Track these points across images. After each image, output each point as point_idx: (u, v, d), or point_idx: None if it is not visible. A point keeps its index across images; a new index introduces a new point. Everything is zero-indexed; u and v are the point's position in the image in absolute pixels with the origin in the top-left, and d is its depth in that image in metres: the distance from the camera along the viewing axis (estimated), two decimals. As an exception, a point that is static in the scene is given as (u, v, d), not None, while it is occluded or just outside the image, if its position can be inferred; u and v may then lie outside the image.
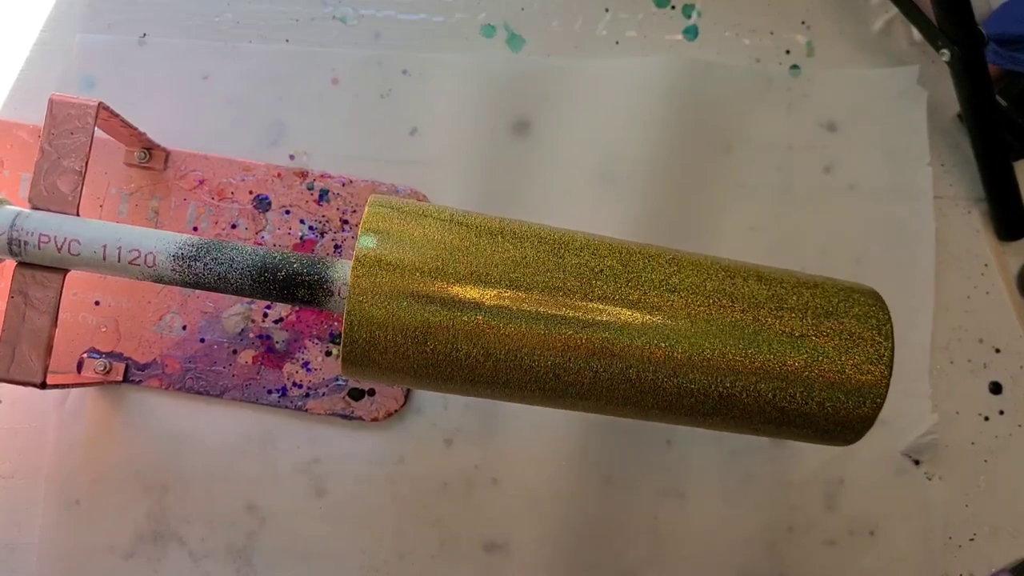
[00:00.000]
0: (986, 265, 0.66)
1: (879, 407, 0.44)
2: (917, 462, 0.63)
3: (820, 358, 0.43)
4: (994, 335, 0.65)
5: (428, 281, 0.42)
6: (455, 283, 0.42)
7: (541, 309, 0.42)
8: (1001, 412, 0.65)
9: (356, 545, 0.60)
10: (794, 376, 0.43)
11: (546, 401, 0.46)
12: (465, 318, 0.42)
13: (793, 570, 0.62)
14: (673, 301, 0.43)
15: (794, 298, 0.44)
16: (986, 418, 0.64)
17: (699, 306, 0.43)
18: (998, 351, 0.65)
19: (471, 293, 0.42)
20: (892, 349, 0.44)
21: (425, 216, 0.44)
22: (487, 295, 0.42)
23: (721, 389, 0.43)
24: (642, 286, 0.43)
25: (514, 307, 0.42)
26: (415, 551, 0.61)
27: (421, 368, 0.44)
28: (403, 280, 0.42)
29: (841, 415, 0.44)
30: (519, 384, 0.44)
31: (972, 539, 0.63)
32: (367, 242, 0.42)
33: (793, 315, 0.44)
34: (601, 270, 0.43)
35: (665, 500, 0.62)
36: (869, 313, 0.44)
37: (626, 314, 0.43)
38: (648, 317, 0.43)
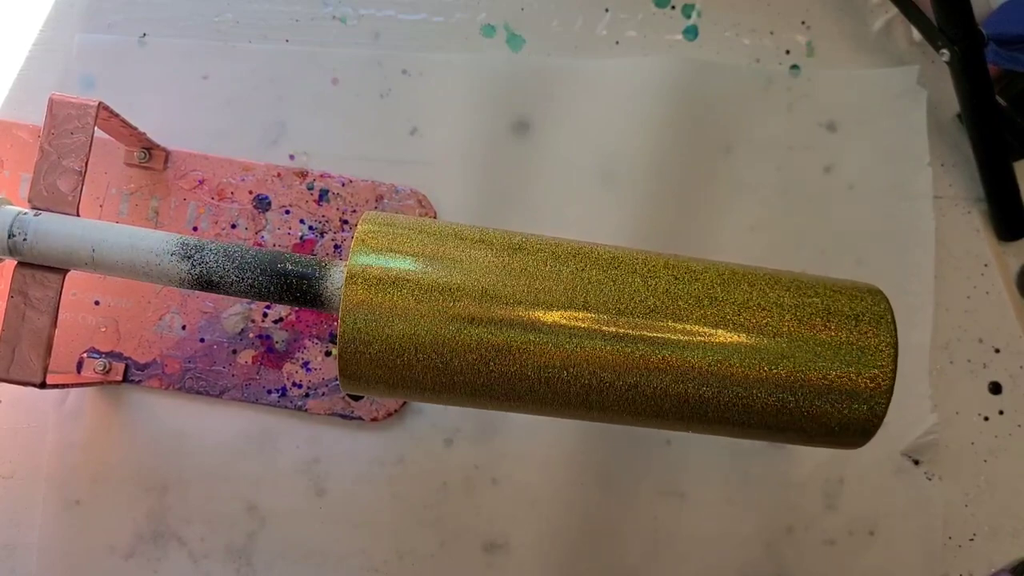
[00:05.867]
0: (986, 265, 0.66)
1: (885, 408, 0.43)
2: (917, 462, 0.63)
3: (832, 363, 0.43)
4: (994, 335, 0.65)
5: (423, 297, 0.42)
6: (453, 298, 0.42)
7: (562, 323, 0.42)
8: (1001, 412, 0.65)
9: (356, 545, 0.60)
10: (810, 382, 0.43)
11: (558, 412, 0.46)
12: (464, 333, 0.42)
13: (793, 570, 0.62)
14: (714, 315, 0.43)
15: (810, 303, 0.44)
16: (986, 418, 0.64)
17: (744, 320, 0.43)
18: (998, 351, 0.65)
19: (470, 309, 0.42)
20: (896, 348, 0.44)
21: (420, 231, 0.44)
22: (489, 309, 0.42)
23: (752, 400, 0.43)
24: (680, 299, 0.43)
25: (524, 322, 0.42)
26: (415, 551, 0.61)
27: (418, 382, 0.43)
28: (397, 296, 0.42)
29: (851, 419, 0.44)
30: (529, 398, 0.44)
31: (972, 539, 0.63)
32: (359, 259, 0.42)
33: (812, 321, 0.43)
34: (634, 283, 0.43)
35: (665, 500, 0.62)
36: (875, 314, 0.44)
37: (671, 328, 0.43)
38: (691, 332, 0.43)
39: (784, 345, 0.43)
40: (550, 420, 0.61)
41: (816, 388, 0.43)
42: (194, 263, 0.46)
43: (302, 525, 0.61)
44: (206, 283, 0.47)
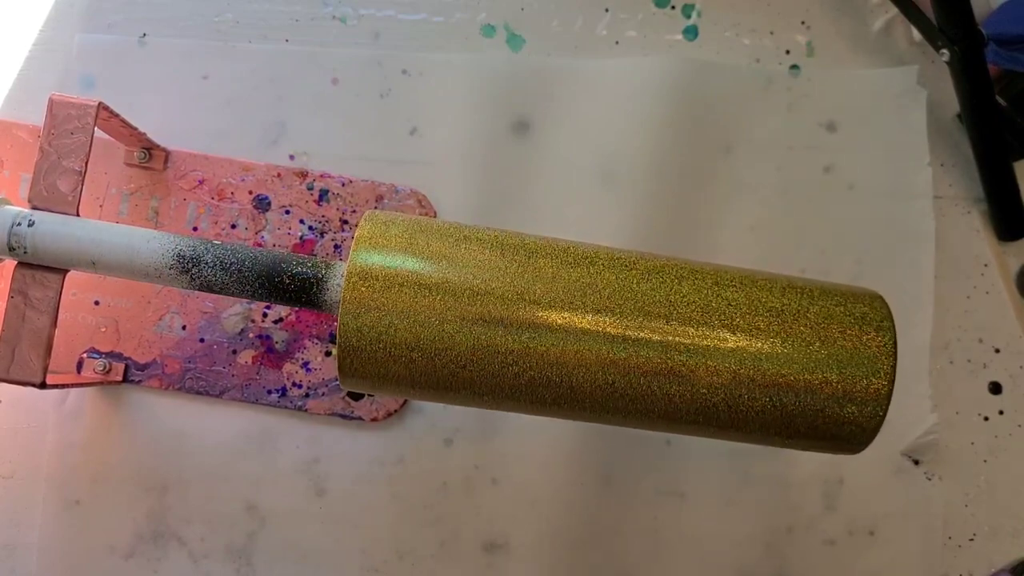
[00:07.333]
0: (986, 265, 0.66)
1: (883, 415, 0.43)
2: (917, 462, 0.63)
3: (832, 369, 0.43)
4: (994, 335, 0.65)
5: (423, 296, 0.42)
6: (453, 297, 0.42)
7: (564, 324, 0.42)
8: (1001, 412, 0.65)
9: (356, 545, 0.60)
10: (809, 388, 0.43)
11: (558, 413, 0.46)
12: (464, 332, 0.42)
13: (793, 570, 0.62)
14: (716, 318, 0.43)
15: (811, 308, 0.44)
16: (986, 418, 0.64)
17: (746, 324, 0.43)
18: (998, 351, 0.65)
19: (470, 308, 0.42)
20: (895, 356, 0.43)
21: (421, 231, 0.44)
22: (489, 309, 0.42)
23: (752, 404, 0.43)
24: (683, 303, 0.43)
25: (525, 322, 0.42)
26: (415, 551, 0.61)
27: (417, 381, 0.44)
28: (397, 295, 0.42)
29: (849, 425, 0.44)
30: (527, 398, 0.44)
31: (972, 539, 0.63)
32: (359, 258, 0.43)
33: (813, 327, 0.43)
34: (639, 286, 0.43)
35: (665, 500, 0.62)
36: (876, 321, 0.44)
37: (674, 331, 0.43)
38: (693, 335, 0.43)
39: (785, 350, 0.43)
40: (550, 420, 0.61)
41: (815, 394, 0.43)
42: (192, 276, 0.47)
43: (302, 525, 0.61)
44: (207, 289, 0.47)
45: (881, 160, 0.66)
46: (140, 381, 0.60)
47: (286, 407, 0.61)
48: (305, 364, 0.61)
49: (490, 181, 0.64)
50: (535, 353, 0.42)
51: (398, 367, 0.43)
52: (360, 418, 0.61)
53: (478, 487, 0.61)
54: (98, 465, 0.60)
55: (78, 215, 0.49)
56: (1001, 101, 0.65)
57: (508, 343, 0.42)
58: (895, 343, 0.43)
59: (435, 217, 0.63)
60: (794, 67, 0.67)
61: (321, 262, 0.47)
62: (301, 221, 0.62)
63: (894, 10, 0.66)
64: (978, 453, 0.64)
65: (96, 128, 0.50)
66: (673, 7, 0.68)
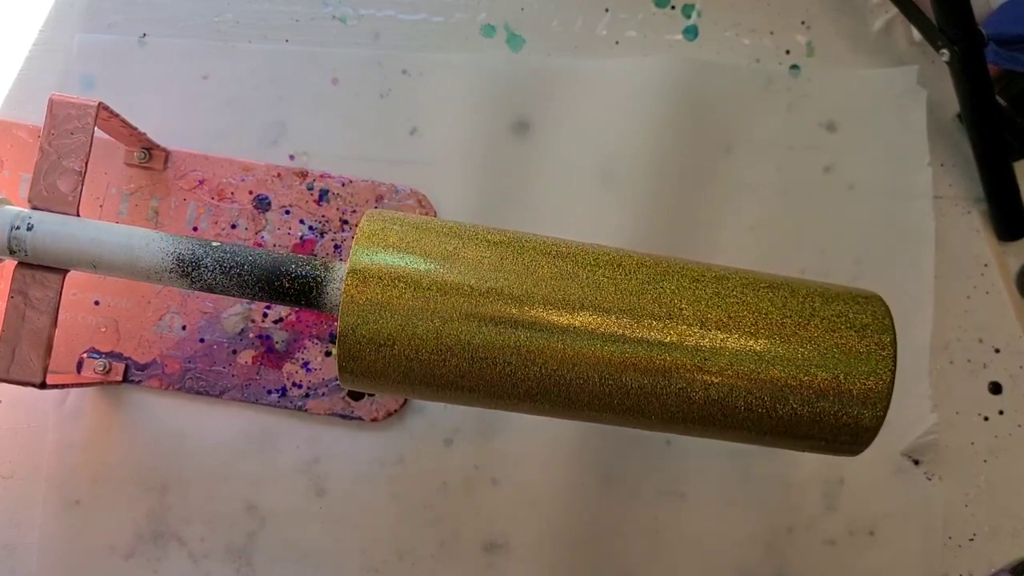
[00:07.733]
0: (986, 265, 0.66)
1: (882, 417, 0.43)
2: (917, 462, 0.63)
3: (831, 371, 0.43)
4: (994, 335, 0.65)
5: (424, 294, 0.42)
6: (454, 296, 0.42)
7: (565, 323, 0.42)
8: (1001, 412, 0.65)
9: (356, 545, 0.60)
10: (808, 390, 0.43)
11: (557, 412, 0.46)
12: (465, 331, 0.42)
13: (793, 570, 0.62)
14: (716, 319, 0.43)
15: (811, 310, 0.44)
16: (986, 418, 0.64)
17: (746, 325, 0.43)
18: (998, 351, 0.65)
19: (471, 307, 0.42)
20: (895, 366, 0.43)
21: (422, 229, 0.44)
22: (490, 308, 0.42)
23: (751, 404, 0.43)
24: (683, 303, 0.43)
25: (526, 321, 0.42)
26: (415, 551, 0.61)
27: (418, 379, 0.44)
28: (397, 294, 0.42)
29: (847, 426, 0.44)
30: (528, 398, 0.44)
31: (972, 539, 0.63)
32: (360, 257, 0.43)
33: (813, 329, 0.43)
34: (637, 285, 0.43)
35: (665, 500, 0.62)
36: (877, 324, 0.44)
37: (675, 331, 0.43)
38: (693, 335, 0.43)
39: (785, 357, 0.43)
40: (550, 420, 0.61)
41: (814, 401, 0.43)
42: (192, 279, 0.47)
43: (302, 525, 0.61)
44: (207, 290, 0.47)
45: (881, 160, 0.66)
46: (140, 381, 0.60)
47: (286, 407, 0.61)
48: (305, 364, 0.61)
49: (490, 181, 0.64)
50: (535, 355, 0.42)
51: (398, 367, 0.43)
52: (360, 418, 0.61)
53: (478, 487, 0.61)
54: (98, 465, 0.60)
55: (78, 215, 0.49)
56: (1001, 101, 0.65)
57: (508, 344, 0.42)
58: (895, 353, 0.43)
59: (435, 217, 0.63)
60: (794, 67, 0.67)
61: (321, 263, 0.47)
62: (301, 221, 0.62)
63: (894, 10, 0.66)
64: (978, 453, 0.64)
65: (96, 128, 0.50)
66: (673, 7, 0.68)
